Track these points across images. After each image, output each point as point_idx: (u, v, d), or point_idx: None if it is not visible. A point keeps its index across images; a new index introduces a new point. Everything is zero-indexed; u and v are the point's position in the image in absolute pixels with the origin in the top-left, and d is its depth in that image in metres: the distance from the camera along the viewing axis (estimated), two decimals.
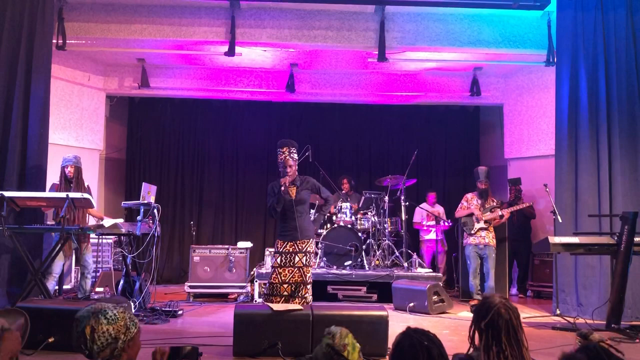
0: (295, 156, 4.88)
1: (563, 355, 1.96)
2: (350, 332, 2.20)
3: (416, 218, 8.67)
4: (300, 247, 4.76)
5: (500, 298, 2.25)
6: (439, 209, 8.50)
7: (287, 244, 4.78)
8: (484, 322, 2.19)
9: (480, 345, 2.20)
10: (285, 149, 4.82)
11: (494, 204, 6.76)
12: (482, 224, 6.66)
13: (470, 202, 6.84)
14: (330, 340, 2.10)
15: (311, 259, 4.87)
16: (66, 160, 5.96)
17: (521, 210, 7.32)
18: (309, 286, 4.79)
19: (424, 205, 8.49)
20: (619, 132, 6.22)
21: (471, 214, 6.77)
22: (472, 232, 6.70)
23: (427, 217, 8.42)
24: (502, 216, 6.71)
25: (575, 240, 5.61)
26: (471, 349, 2.27)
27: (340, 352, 2.03)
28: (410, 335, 1.95)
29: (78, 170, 5.97)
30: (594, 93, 6.35)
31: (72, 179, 5.90)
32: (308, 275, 4.78)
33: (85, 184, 6.08)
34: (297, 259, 4.74)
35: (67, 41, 6.75)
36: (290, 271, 4.72)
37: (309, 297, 4.79)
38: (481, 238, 6.67)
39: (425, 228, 8.54)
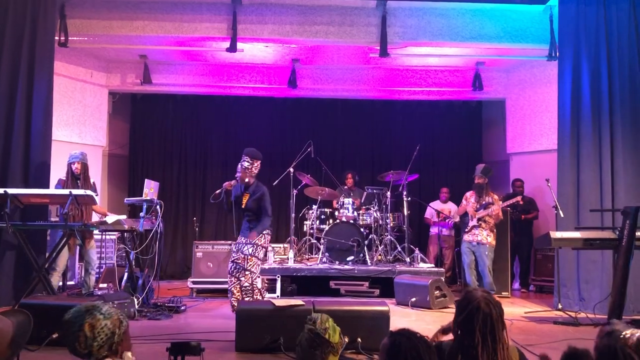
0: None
1: (569, 350, 1.95)
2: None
3: (427, 214, 8.68)
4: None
5: (483, 292, 2.18)
6: (451, 207, 8.49)
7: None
8: (461, 316, 2.13)
9: (456, 337, 2.17)
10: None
11: (490, 199, 6.78)
12: (474, 222, 6.71)
13: (468, 200, 6.95)
14: (312, 325, 2.18)
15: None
16: (73, 157, 5.99)
17: (516, 206, 7.31)
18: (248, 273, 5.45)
19: (434, 204, 8.47)
20: (621, 126, 6.21)
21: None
22: (466, 229, 6.83)
23: (437, 214, 8.42)
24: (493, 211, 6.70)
25: (577, 235, 5.60)
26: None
27: (321, 335, 2.12)
28: (400, 330, 1.96)
29: (85, 167, 6.02)
30: (597, 87, 6.34)
31: (79, 176, 5.94)
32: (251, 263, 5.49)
33: (91, 181, 6.12)
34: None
35: (70, 38, 6.77)
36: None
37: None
38: (474, 236, 6.72)
39: (433, 223, 8.55)
